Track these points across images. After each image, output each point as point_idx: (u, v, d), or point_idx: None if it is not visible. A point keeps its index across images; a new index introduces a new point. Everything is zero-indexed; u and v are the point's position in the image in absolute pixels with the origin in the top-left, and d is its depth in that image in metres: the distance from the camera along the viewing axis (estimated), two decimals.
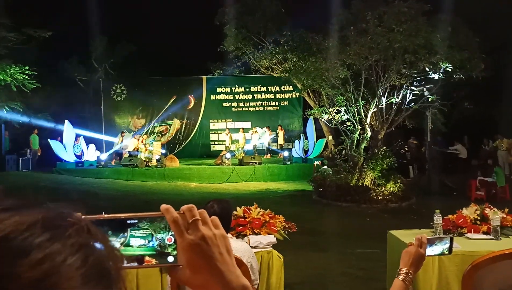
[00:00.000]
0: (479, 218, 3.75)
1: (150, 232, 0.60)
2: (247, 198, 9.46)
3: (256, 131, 16.33)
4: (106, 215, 0.59)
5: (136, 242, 0.60)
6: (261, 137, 16.34)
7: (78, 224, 0.45)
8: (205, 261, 0.59)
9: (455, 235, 3.69)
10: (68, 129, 15.07)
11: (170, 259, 0.60)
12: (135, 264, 0.60)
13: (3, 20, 12.51)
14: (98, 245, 0.45)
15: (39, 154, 15.50)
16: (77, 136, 15.24)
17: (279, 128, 16.45)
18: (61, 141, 14.90)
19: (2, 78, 12.49)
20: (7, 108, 13.94)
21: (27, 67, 12.73)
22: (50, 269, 0.39)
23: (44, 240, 0.41)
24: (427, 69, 9.88)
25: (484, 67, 9.79)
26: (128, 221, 0.59)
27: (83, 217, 0.54)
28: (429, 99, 10.28)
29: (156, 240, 0.60)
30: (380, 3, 9.90)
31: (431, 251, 1.53)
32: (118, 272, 0.45)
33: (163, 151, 15.42)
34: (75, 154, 14.98)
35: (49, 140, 14.68)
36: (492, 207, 3.86)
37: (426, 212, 7.74)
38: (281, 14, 15.34)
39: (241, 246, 2.62)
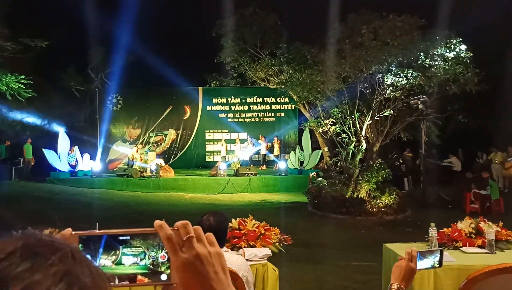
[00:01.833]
0: (474, 231, 3.75)
1: (142, 250, 0.58)
2: (242, 209, 9.41)
3: (251, 142, 16.35)
4: (97, 231, 0.57)
5: (128, 261, 0.58)
6: (255, 147, 16.35)
7: (62, 250, 0.42)
8: (199, 281, 0.56)
9: (450, 248, 3.69)
10: (63, 139, 15.00)
11: (163, 277, 0.58)
12: (127, 282, 0.58)
13: (0, 29, 12.52)
14: (83, 272, 0.42)
15: (32, 163, 15.37)
16: (71, 145, 15.16)
17: (275, 139, 16.48)
18: (55, 151, 14.81)
19: None
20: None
21: (22, 76, 12.70)
22: None
23: (23, 270, 0.38)
24: (422, 82, 9.98)
25: (478, 81, 9.91)
26: (120, 238, 0.58)
27: (73, 233, 0.52)
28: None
29: (149, 258, 0.58)
30: (375, 17, 10.04)
31: (421, 264, 1.52)
32: None
33: (161, 161, 15.38)
34: (69, 163, 14.88)
35: (43, 149, 14.59)
36: (486, 220, 3.86)
37: (421, 224, 7.73)
38: (277, 26, 15.51)
39: (236, 260, 2.60)
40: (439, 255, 1.57)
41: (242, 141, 16.52)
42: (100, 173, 14.72)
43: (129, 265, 0.58)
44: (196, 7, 17.02)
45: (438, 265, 1.59)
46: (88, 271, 0.42)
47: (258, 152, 16.63)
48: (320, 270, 5.92)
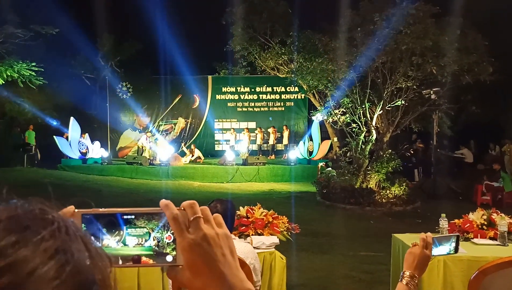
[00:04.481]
0: (486, 223, 3.70)
1: (147, 230, 0.56)
2: (251, 198, 9.43)
3: (261, 131, 16.34)
4: (101, 209, 0.55)
5: (132, 241, 0.56)
6: (265, 137, 16.35)
7: (55, 223, 0.37)
8: (206, 263, 0.54)
9: (461, 240, 3.64)
10: (74, 126, 15.14)
11: (169, 258, 0.56)
12: (131, 263, 0.56)
13: (11, 16, 12.57)
14: (79, 249, 0.37)
15: (34, 150, 15.56)
16: (82, 133, 15.31)
17: (285, 128, 16.43)
18: (66, 138, 14.98)
19: (9, 74, 12.55)
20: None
21: (34, 64, 12.79)
22: (11, 282, 0.32)
23: (7, 245, 0.33)
24: (434, 71, 9.79)
25: (492, 71, 9.69)
26: (125, 217, 0.56)
27: (76, 210, 0.49)
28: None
29: (154, 240, 0.56)
30: (388, 4, 9.83)
31: (437, 251, 1.45)
32: (104, 281, 0.38)
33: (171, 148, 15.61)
34: (79, 151, 15.04)
35: (54, 136, 14.75)
36: (499, 212, 3.80)
37: (431, 216, 7.68)
38: (288, 14, 15.32)
39: (244, 247, 2.59)
40: (455, 241, 1.49)
41: (251, 130, 16.50)
42: (110, 161, 14.86)
43: (133, 246, 0.56)
44: None
45: (453, 252, 1.50)
46: (85, 248, 0.38)
47: (267, 141, 16.62)
48: (328, 259, 5.92)
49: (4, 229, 0.34)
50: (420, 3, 9.59)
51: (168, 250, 0.56)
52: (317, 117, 12.55)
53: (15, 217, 0.36)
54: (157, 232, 0.56)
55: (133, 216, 0.56)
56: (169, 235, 0.56)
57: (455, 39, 9.47)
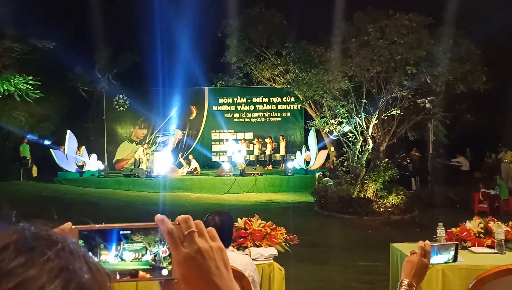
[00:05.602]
0: (483, 231, 3.70)
1: (144, 245, 0.57)
2: (248, 209, 9.40)
3: (258, 141, 16.38)
4: (97, 225, 0.56)
5: (129, 256, 0.57)
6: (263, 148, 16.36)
7: (59, 244, 0.40)
8: (201, 275, 0.55)
9: (459, 248, 3.64)
10: (71, 139, 15.13)
11: (165, 272, 0.57)
12: (128, 278, 0.57)
13: (8, 30, 12.64)
14: (81, 267, 0.40)
15: (30, 164, 15.49)
16: (79, 146, 15.28)
17: (281, 138, 16.47)
18: (63, 151, 14.94)
19: (6, 88, 12.57)
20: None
21: (30, 77, 12.82)
22: None
23: (17, 266, 0.36)
24: (429, 81, 9.89)
25: (486, 79, 9.80)
26: (121, 232, 0.57)
27: (73, 227, 0.51)
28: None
29: (150, 254, 0.57)
30: (382, 15, 9.98)
31: (435, 259, 1.42)
32: None
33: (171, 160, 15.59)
34: (76, 164, 15.00)
35: (51, 149, 14.71)
36: (496, 220, 3.81)
37: (428, 224, 7.68)
38: (283, 26, 15.49)
39: (242, 259, 2.58)
40: (454, 250, 1.47)
41: (248, 141, 16.53)
42: (107, 173, 14.82)
43: (130, 261, 0.57)
44: (202, 7, 17.07)
45: (452, 260, 1.48)
46: (87, 266, 0.41)
47: (264, 152, 16.64)
48: (326, 270, 5.89)
49: (14, 251, 0.37)
50: (413, 14, 9.73)
51: (164, 264, 0.57)
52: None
53: (23, 239, 0.39)
54: (154, 247, 0.57)
55: (129, 231, 0.57)
56: (164, 249, 0.57)
57: (448, 48, 9.59)
